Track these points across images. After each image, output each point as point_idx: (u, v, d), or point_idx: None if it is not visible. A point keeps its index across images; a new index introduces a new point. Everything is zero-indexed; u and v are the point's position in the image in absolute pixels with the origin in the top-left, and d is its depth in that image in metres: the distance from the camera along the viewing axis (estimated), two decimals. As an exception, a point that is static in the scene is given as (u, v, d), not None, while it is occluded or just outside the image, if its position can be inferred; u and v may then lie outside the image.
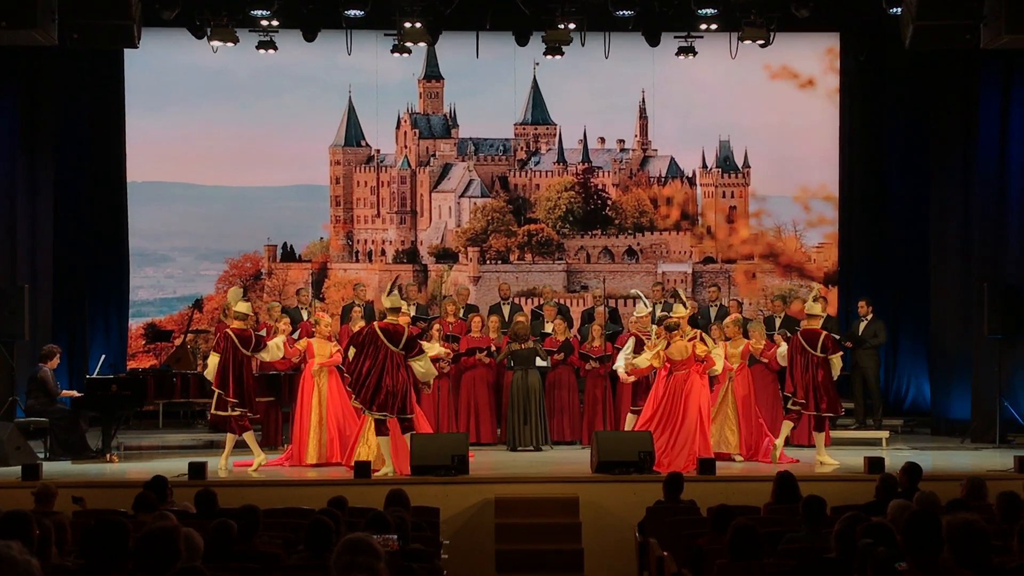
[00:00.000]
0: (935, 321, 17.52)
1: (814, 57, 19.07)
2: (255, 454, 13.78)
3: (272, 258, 19.34)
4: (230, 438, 13.75)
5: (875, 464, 12.64)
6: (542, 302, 17.51)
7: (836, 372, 14.20)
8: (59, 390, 15.03)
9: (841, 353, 14.57)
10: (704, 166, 19.51)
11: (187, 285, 19.28)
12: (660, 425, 13.81)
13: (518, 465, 14.14)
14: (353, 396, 13.44)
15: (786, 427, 14.25)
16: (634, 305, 16.34)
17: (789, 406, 14.22)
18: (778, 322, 16.55)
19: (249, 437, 13.82)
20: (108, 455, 14.43)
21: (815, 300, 14.51)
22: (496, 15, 17.40)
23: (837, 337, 15.85)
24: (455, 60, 19.12)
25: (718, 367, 14.06)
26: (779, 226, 19.44)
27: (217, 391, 13.67)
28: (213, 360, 13.80)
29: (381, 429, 13.24)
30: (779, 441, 14.10)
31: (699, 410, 13.77)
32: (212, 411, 13.93)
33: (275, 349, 14.26)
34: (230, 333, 13.79)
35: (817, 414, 14.09)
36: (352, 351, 13.41)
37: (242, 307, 13.96)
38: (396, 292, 13.99)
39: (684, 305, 14.83)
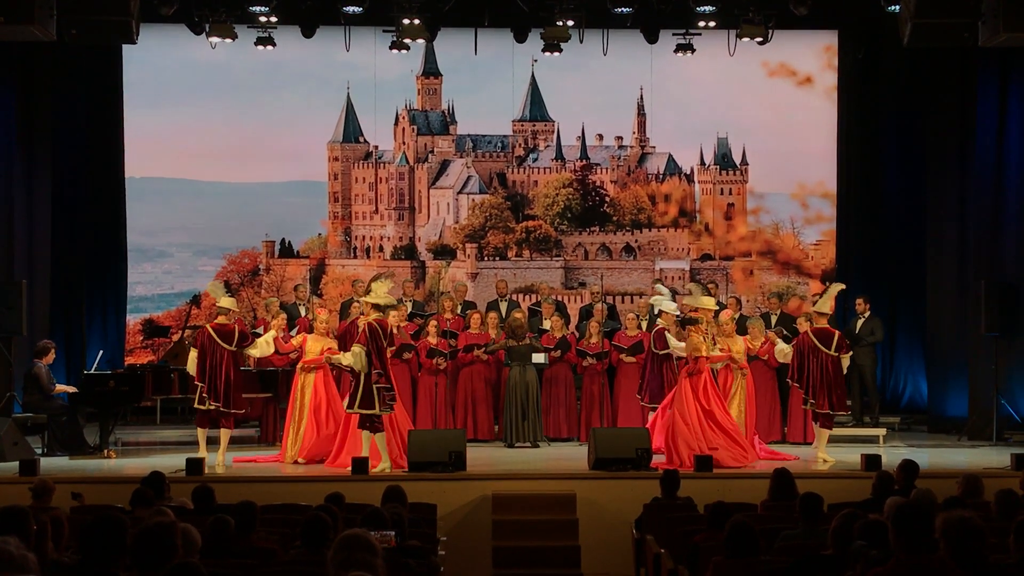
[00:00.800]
0: (932, 318, 17.53)
1: (812, 55, 19.09)
2: (199, 450, 13.74)
3: (270, 254, 19.34)
4: (224, 434, 13.77)
5: (872, 461, 12.64)
6: (540, 299, 17.52)
7: (844, 370, 14.24)
8: (54, 386, 15.01)
9: (851, 353, 14.58)
10: (702, 163, 19.51)
11: (185, 281, 19.28)
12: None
13: (515, 461, 14.14)
14: (389, 399, 13.29)
15: (823, 435, 14.14)
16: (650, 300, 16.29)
17: (805, 406, 14.18)
18: (774, 319, 16.57)
19: (201, 434, 13.83)
20: (105, 451, 14.44)
21: (831, 297, 14.45)
22: (494, 12, 17.41)
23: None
24: (453, 57, 19.12)
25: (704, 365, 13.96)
26: (777, 223, 19.46)
27: (198, 385, 13.73)
28: (192, 355, 13.84)
29: (376, 426, 13.21)
30: (822, 452, 14.00)
31: (688, 408, 13.67)
32: (194, 405, 13.94)
33: (264, 345, 14.25)
34: (208, 329, 13.81)
35: (832, 412, 14.05)
36: (362, 350, 13.18)
37: (225, 302, 13.92)
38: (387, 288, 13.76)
39: (711, 296, 14.81)
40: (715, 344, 14.19)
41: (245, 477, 13.10)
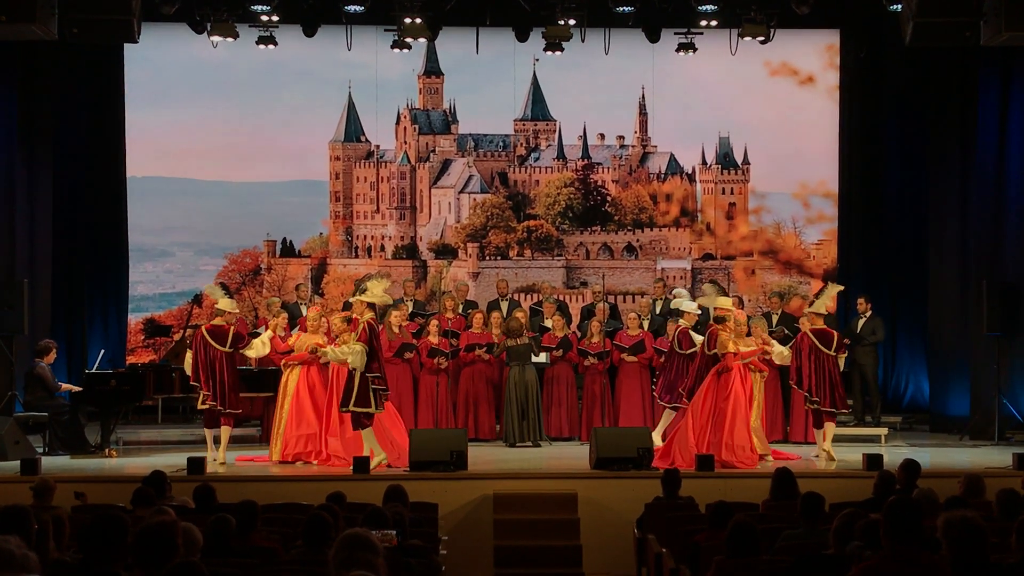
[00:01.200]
0: (933, 318, 17.53)
1: (814, 54, 19.07)
2: (208, 449, 13.81)
3: (271, 253, 19.34)
4: (224, 431, 13.84)
5: (873, 461, 12.64)
6: (541, 298, 17.52)
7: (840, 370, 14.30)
8: (58, 385, 15.03)
9: (847, 354, 14.62)
10: (704, 163, 19.50)
11: (186, 280, 19.27)
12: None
13: (517, 461, 14.14)
14: (383, 396, 13.35)
15: (830, 429, 14.17)
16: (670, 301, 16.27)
17: (810, 406, 14.14)
18: (775, 319, 16.54)
19: (208, 435, 13.93)
20: (107, 450, 14.44)
21: (831, 298, 14.45)
22: (496, 11, 17.41)
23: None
24: (455, 56, 19.12)
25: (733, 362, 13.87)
26: (778, 223, 19.44)
27: (193, 385, 13.82)
28: (188, 357, 13.92)
29: (365, 422, 13.21)
30: (827, 445, 14.00)
31: (701, 410, 13.63)
32: (197, 407, 14.01)
33: (260, 346, 14.25)
34: (202, 330, 13.88)
35: (834, 410, 14.07)
36: (363, 348, 13.17)
37: (223, 304, 13.97)
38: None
39: (727, 295, 14.77)
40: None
41: (246, 476, 13.12)
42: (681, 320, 15.23)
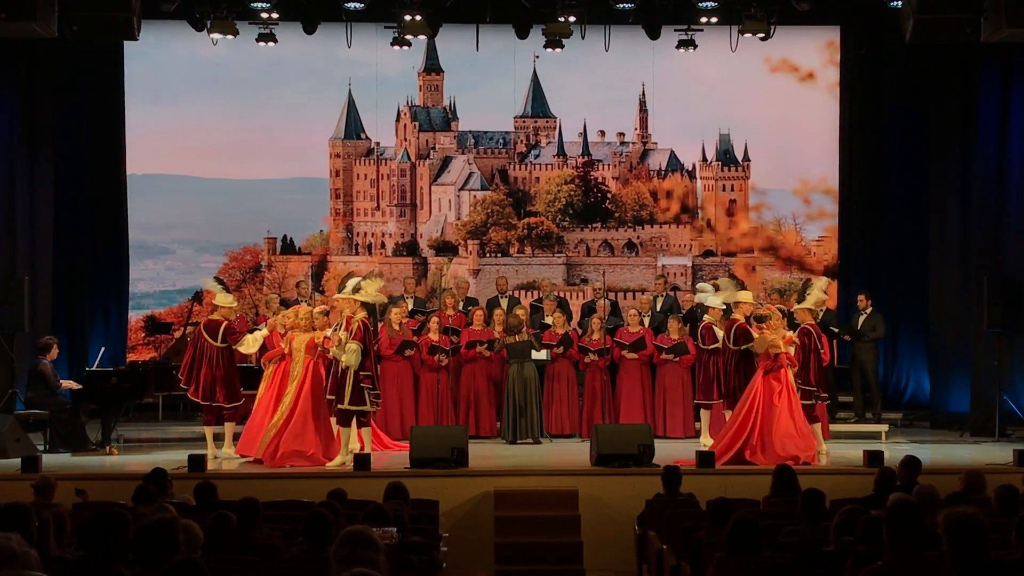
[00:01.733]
0: (934, 314, 17.53)
1: (814, 50, 19.06)
2: (208, 447, 13.81)
3: (272, 251, 19.34)
4: (228, 427, 13.92)
5: (874, 457, 12.63)
6: (542, 295, 17.52)
7: None
8: (59, 383, 15.04)
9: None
10: (704, 159, 19.50)
11: (187, 277, 19.27)
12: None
13: (517, 458, 14.14)
14: (375, 397, 13.40)
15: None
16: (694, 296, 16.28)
17: (815, 401, 14.10)
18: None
19: (208, 432, 13.97)
20: (108, 447, 14.45)
21: (821, 291, 14.46)
22: (496, 8, 17.41)
23: (836, 329, 16.16)
24: (455, 53, 19.11)
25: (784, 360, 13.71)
26: (779, 219, 19.44)
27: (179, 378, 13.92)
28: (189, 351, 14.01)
29: (348, 420, 13.23)
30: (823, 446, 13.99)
31: (745, 407, 13.51)
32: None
33: (251, 342, 14.24)
34: (200, 324, 13.96)
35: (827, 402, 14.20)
36: (359, 347, 13.19)
37: (220, 299, 13.98)
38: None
39: (746, 288, 14.77)
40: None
41: (247, 473, 13.12)
42: (706, 316, 15.20)
